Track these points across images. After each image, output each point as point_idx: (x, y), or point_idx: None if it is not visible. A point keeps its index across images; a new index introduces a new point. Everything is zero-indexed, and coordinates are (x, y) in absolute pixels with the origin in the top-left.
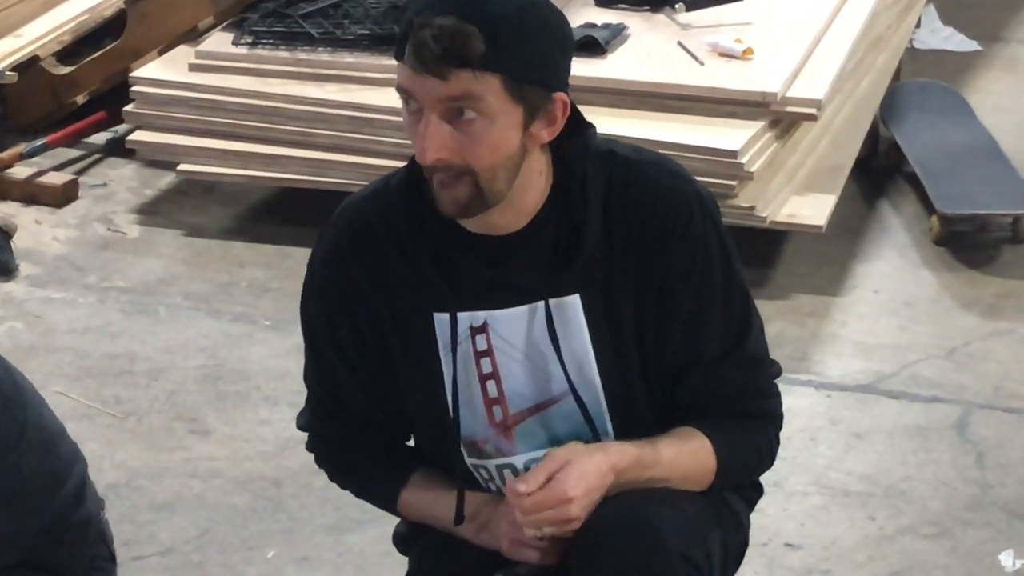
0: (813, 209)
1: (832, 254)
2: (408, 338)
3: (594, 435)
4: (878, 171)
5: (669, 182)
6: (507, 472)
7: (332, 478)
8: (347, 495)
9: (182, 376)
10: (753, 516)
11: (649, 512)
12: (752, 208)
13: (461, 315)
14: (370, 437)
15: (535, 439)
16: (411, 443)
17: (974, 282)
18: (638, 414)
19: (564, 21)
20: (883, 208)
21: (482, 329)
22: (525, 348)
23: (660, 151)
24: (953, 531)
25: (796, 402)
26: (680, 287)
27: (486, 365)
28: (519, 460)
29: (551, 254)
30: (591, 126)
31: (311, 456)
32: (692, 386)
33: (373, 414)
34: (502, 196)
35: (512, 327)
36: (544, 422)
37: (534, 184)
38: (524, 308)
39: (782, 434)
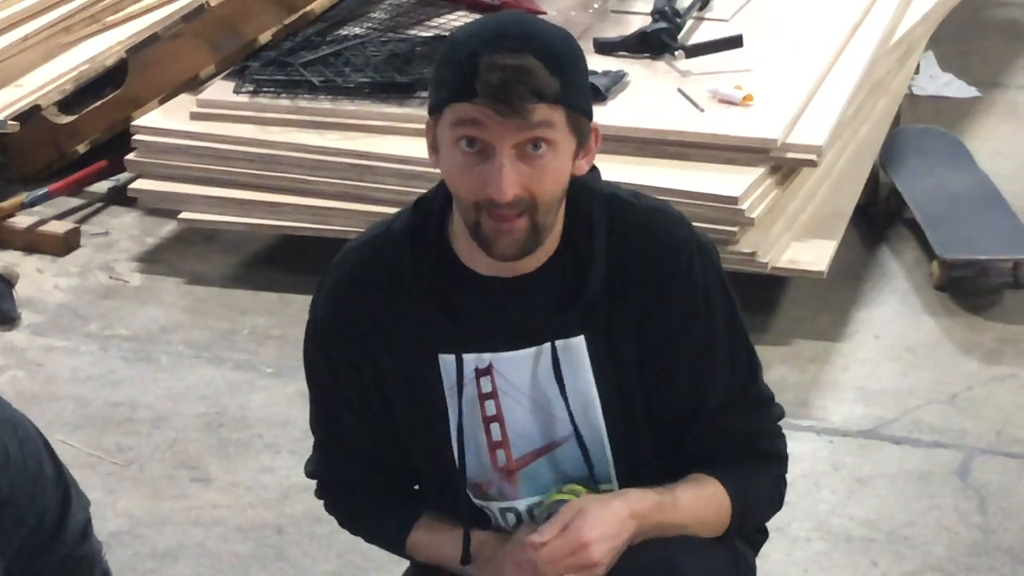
0: (814, 255)
1: (833, 300)
2: (412, 380)
3: (592, 479)
4: (878, 217)
5: (669, 228)
6: (510, 515)
7: (342, 524)
8: (350, 542)
9: (184, 424)
10: (757, 562)
11: (675, 561)
12: (753, 254)
13: (467, 357)
14: (377, 481)
15: (538, 483)
16: (418, 486)
17: (975, 327)
18: (642, 457)
19: (578, 44)
20: (884, 254)
21: (487, 371)
22: (530, 391)
23: (661, 197)
24: None
25: (798, 447)
26: (682, 334)
27: (490, 407)
28: (522, 504)
29: (556, 296)
30: (595, 168)
31: (314, 503)
32: (700, 435)
33: (379, 458)
34: (550, 232)
35: (517, 369)
36: (547, 466)
37: (559, 223)
38: (531, 350)
39: None
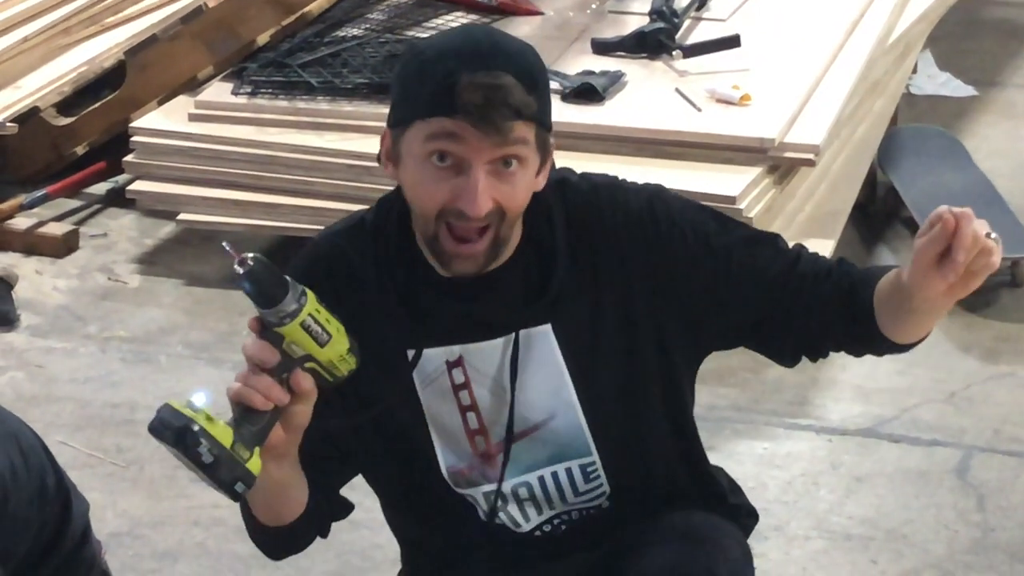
0: None
1: None
2: (381, 375)
3: (578, 455)
4: (876, 216)
5: (622, 196)
6: (494, 497)
7: None
8: (348, 543)
9: None
10: (755, 561)
11: (709, 561)
12: None
13: (437, 350)
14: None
15: (519, 464)
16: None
17: (973, 326)
18: (620, 434)
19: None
20: (882, 253)
21: (458, 363)
22: (501, 380)
23: None
24: (955, 575)
25: (797, 446)
26: (702, 271)
27: (465, 398)
28: (506, 486)
29: (523, 288)
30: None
31: None
32: (798, 292)
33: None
34: (509, 244)
35: (486, 360)
36: (526, 447)
37: (519, 225)
38: (499, 341)
39: (783, 479)
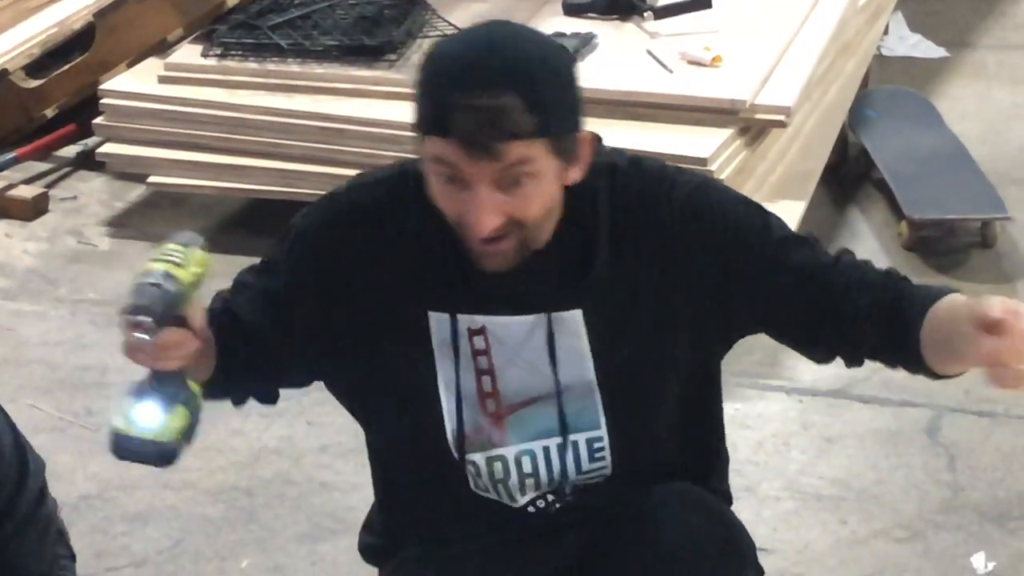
0: (783, 216)
1: None
2: (397, 330)
3: (588, 427)
4: (847, 177)
5: (668, 184)
6: (497, 464)
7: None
8: (320, 504)
9: None
10: None
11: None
12: None
13: (461, 316)
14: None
15: (526, 430)
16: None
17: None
18: (632, 415)
19: (569, 56)
20: (853, 214)
21: (480, 331)
22: (522, 352)
23: None
24: (925, 534)
25: (768, 407)
26: (730, 262)
27: (483, 362)
28: (510, 452)
29: (559, 271)
30: (598, 138)
31: (284, 466)
32: (836, 291)
33: (268, 349)
34: (543, 239)
35: (510, 334)
36: (537, 411)
37: (555, 214)
38: (527, 319)
39: (754, 439)
